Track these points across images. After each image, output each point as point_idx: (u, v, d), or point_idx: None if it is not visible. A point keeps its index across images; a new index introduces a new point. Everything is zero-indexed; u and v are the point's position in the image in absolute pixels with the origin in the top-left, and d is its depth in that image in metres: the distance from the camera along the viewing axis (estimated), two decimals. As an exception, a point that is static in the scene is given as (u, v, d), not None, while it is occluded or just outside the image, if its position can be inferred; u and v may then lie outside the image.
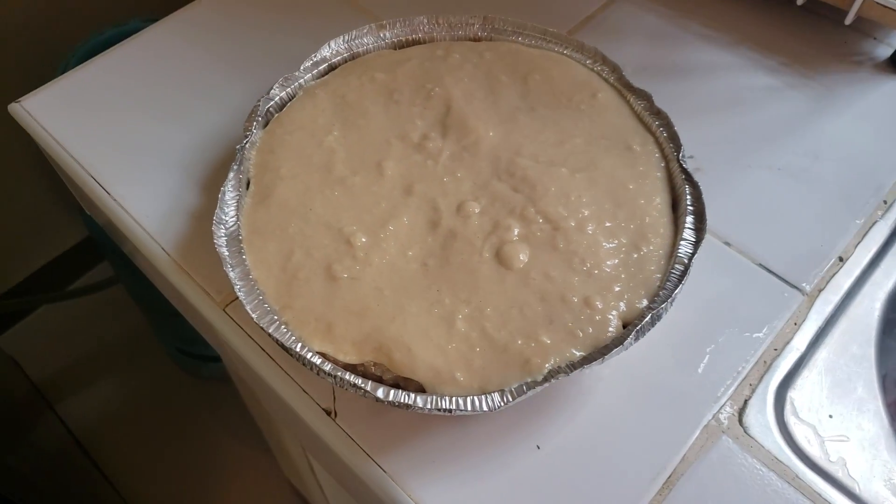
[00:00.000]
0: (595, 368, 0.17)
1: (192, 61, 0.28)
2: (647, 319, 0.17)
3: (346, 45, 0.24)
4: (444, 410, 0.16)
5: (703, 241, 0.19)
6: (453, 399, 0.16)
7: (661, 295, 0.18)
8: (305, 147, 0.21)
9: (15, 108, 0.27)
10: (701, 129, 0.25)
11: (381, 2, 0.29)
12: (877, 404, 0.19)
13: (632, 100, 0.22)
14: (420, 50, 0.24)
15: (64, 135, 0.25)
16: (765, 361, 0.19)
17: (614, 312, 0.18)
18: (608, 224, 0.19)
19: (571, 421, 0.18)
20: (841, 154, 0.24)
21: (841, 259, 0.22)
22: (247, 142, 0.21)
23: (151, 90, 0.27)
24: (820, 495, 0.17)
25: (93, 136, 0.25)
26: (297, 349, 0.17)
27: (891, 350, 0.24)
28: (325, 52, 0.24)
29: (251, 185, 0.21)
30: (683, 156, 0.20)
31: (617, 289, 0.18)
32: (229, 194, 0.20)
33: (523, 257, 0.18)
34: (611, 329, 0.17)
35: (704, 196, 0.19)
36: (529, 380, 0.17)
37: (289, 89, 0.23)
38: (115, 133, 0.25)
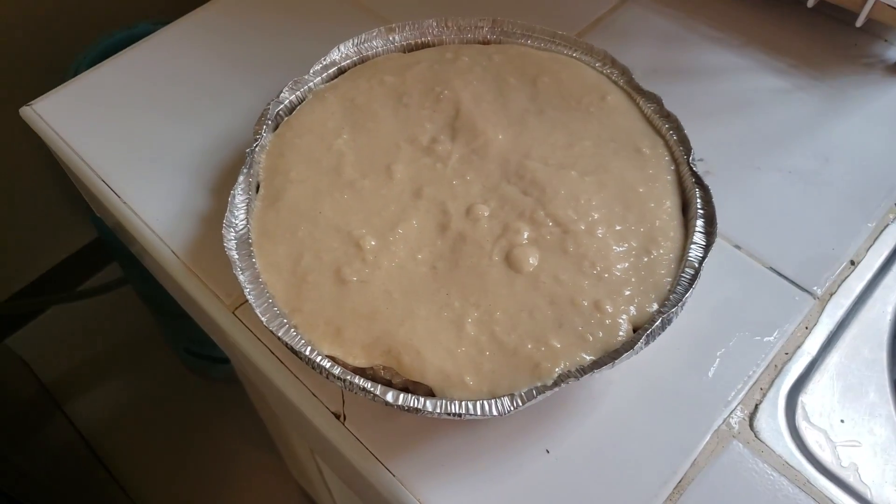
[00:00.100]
0: (605, 373, 0.17)
1: (202, 64, 0.28)
2: (657, 323, 0.17)
3: (355, 49, 0.24)
4: (454, 415, 0.16)
5: (714, 244, 0.19)
6: (463, 403, 0.16)
7: (672, 299, 0.18)
8: (315, 150, 0.21)
9: (26, 112, 0.27)
10: (710, 132, 0.25)
11: (390, 5, 0.29)
12: (889, 409, 0.19)
13: (641, 102, 0.22)
14: (429, 53, 0.24)
15: (75, 138, 0.26)
16: (776, 366, 0.19)
17: (625, 316, 0.18)
18: (618, 227, 0.19)
19: (581, 425, 0.18)
20: (852, 157, 0.24)
21: (852, 262, 0.21)
22: (256, 145, 0.21)
23: (161, 93, 0.27)
24: (832, 500, 0.17)
25: (103, 138, 0.26)
26: (307, 353, 0.17)
27: (902, 354, 0.24)
28: (334, 55, 0.24)
29: (261, 188, 0.21)
30: (693, 159, 0.20)
31: (627, 293, 0.18)
32: (239, 197, 0.20)
33: (533, 261, 0.18)
34: (621, 333, 0.17)
35: (715, 199, 0.19)
36: (539, 384, 0.17)
37: (298, 93, 0.23)
38: (126, 136, 0.26)
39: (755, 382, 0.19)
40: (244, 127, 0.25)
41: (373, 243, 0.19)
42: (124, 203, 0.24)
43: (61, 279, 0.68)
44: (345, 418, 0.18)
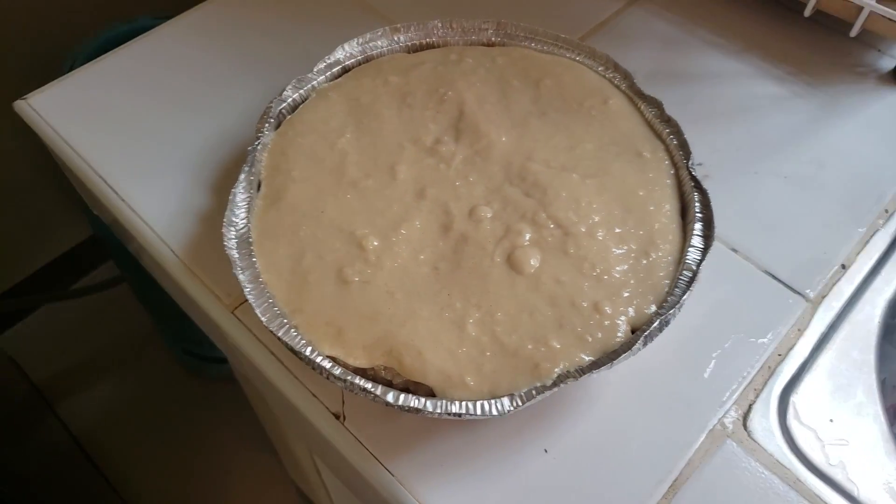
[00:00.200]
0: (603, 373, 0.17)
1: (204, 61, 0.28)
2: (655, 325, 0.17)
3: (359, 48, 0.24)
4: (454, 415, 0.16)
5: (711, 247, 0.19)
6: (463, 403, 0.16)
7: (670, 301, 0.18)
8: (317, 149, 0.21)
9: (21, 106, 0.26)
10: (709, 136, 0.25)
11: (395, 5, 0.29)
12: (876, 409, 0.19)
13: (643, 107, 0.22)
14: (433, 54, 0.24)
15: (71, 133, 0.25)
16: (769, 367, 0.20)
17: (623, 318, 0.18)
18: (618, 230, 0.19)
19: (579, 425, 0.18)
20: (845, 163, 0.24)
21: (843, 266, 0.22)
22: (258, 143, 0.21)
23: (162, 89, 0.27)
24: (821, 498, 0.18)
25: (101, 134, 0.25)
26: (307, 353, 0.17)
27: (890, 355, 0.25)
28: (338, 54, 0.24)
29: (262, 187, 0.21)
30: (692, 163, 0.21)
31: (626, 294, 0.18)
32: (240, 196, 0.20)
33: (534, 262, 0.19)
34: (620, 334, 0.18)
35: (712, 203, 0.20)
36: (539, 384, 0.17)
37: (302, 91, 0.23)
38: (124, 132, 0.25)
39: (749, 383, 0.19)
40: (246, 125, 0.25)
41: (375, 243, 0.19)
42: (122, 200, 0.23)
43: (55, 277, 0.67)
44: (344, 418, 0.19)
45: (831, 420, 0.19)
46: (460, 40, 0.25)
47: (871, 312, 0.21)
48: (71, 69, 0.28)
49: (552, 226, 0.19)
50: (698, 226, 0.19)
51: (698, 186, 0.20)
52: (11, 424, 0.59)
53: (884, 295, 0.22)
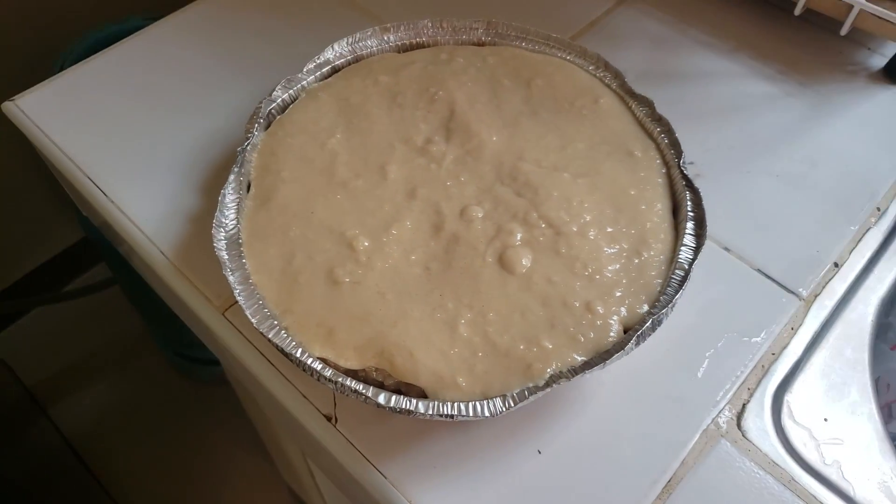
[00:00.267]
0: (596, 373, 0.17)
1: (193, 61, 0.27)
2: (647, 325, 0.17)
3: (349, 48, 0.24)
4: (446, 416, 0.16)
5: (703, 246, 0.19)
6: (455, 404, 0.16)
7: (662, 300, 0.18)
8: (307, 150, 0.21)
9: (9, 107, 0.26)
10: (700, 135, 0.25)
11: (385, 4, 0.29)
12: (870, 407, 0.19)
13: (633, 106, 0.22)
14: (424, 53, 0.24)
15: (60, 134, 0.25)
16: (763, 366, 0.20)
17: (615, 317, 0.18)
18: (609, 229, 0.19)
19: (572, 425, 0.18)
20: (836, 161, 0.25)
21: (836, 265, 0.22)
22: (248, 144, 0.21)
23: (151, 90, 0.27)
24: (816, 498, 0.18)
25: (90, 135, 0.25)
26: (298, 355, 0.17)
27: (883, 354, 0.25)
28: (328, 54, 0.24)
29: (252, 187, 0.21)
30: (684, 162, 0.21)
31: (618, 294, 0.18)
32: (229, 197, 0.20)
33: (526, 262, 0.19)
34: (612, 334, 0.17)
35: (704, 202, 0.20)
36: (531, 385, 0.17)
37: (291, 91, 0.23)
38: (113, 133, 0.25)
39: (743, 382, 0.19)
40: (235, 125, 0.25)
41: (366, 244, 0.19)
42: (112, 202, 0.23)
43: (46, 280, 0.66)
44: (336, 421, 0.18)
45: (826, 419, 0.19)
46: (451, 40, 0.25)
47: (864, 311, 0.21)
48: (60, 70, 0.27)
49: (543, 225, 0.19)
50: (690, 225, 0.19)
51: (690, 185, 0.20)
52: (3, 427, 0.58)
53: (877, 293, 0.22)
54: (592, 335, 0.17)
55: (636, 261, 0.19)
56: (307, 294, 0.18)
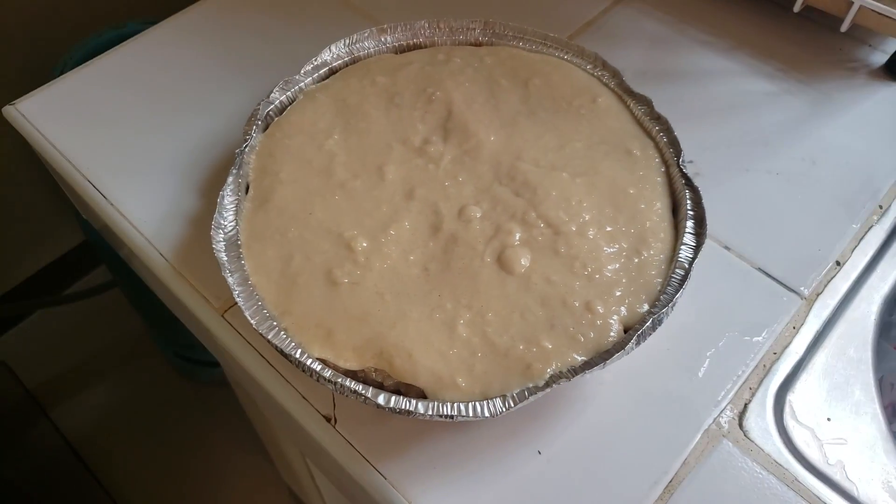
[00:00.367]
0: (596, 373, 0.17)
1: (191, 64, 0.28)
2: (648, 324, 0.17)
3: (346, 49, 0.24)
4: (446, 416, 0.16)
5: (703, 245, 0.19)
6: (455, 405, 0.16)
7: (662, 299, 0.18)
8: (305, 151, 0.21)
9: (10, 111, 0.26)
10: (700, 134, 0.25)
11: (382, 6, 0.29)
12: (874, 407, 0.19)
13: (632, 105, 0.22)
14: (421, 54, 0.24)
15: (60, 138, 0.25)
16: (764, 365, 0.20)
17: (615, 317, 0.18)
18: (609, 228, 0.19)
19: (573, 426, 0.18)
20: (838, 159, 0.24)
21: (838, 263, 0.22)
22: (246, 146, 0.21)
23: (149, 93, 0.27)
24: (819, 498, 0.17)
25: (89, 139, 0.25)
26: (297, 355, 0.17)
27: (887, 353, 0.25)
28: (325, 55, 0.24)
29: (250, 189, 0.21)
30: (683, 161, 0.20)
31: (618, 293, 0.18)
32: (228, 199, 0.20)
33: (525, 262, 0.18)
34: (612, 334, 0.17)
35: (704, 200, 0.19)
36: (531, 385, 0.17)
37: (289, 93, 0.23)
38: (112, 136, 0.25)
39: (744, 382, 0.19)
40: (233, 127, 0.25)
41: (364, 245, 0.19)
42: (111, 205, 0.23)
43: (47, 282, 0.67)
44: (336, 421, 0.18)
45: (829, 419, 0.19)
46: (448, 40, 0.25)
47: (866, 309, 0.21)
48: (60, 75, 0.28)
49: (542, 225, 0.19)
50: (690, 223, 0.19)
51: (689, 184, 0.20)
52: (5, 429, 0.59)
53: (879, 292, 0.21)
54: (592, 335, 0.17)
55: (636, 260, 0.19)
56: (306, 295, 0.18)
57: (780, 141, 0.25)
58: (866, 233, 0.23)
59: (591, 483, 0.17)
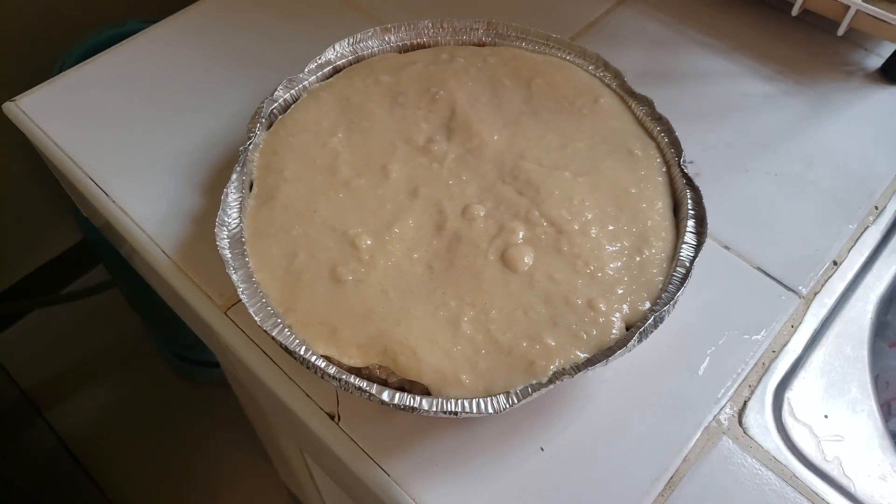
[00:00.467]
0: (598, 370, 0.17)
1: (194, 62, 0.27)
2: (649, 322, 0.17)
3: (350, 48, 0.24)
4: (450, 413, 0.16)
5: (704, 244, 0.19)
6: (459, 402, 0.16)
7: (664, 297, 0.18)
8: (309, 149, 0.21)
9: (10, 108, 0.26)
10: (700, 135, 0.25)
11: (385, 6, 0.29)
12: (870, 404, 0.19)
13: (633, 105, 0.23)
14: (425, 54, 0.24)
15: (61, 135, 0.25)
16: (763, 363, 0.20)
17: (618, 315, 0.18)
18: (611, 227, 0.19)
19: (575, 423, 0.18)
20: (835, 160, 0.25)
21: (835, 263, 0.22)
22: (250, 143, 0.21)
23: (152, 90, 0.27)
24: (817, 494, 0.18)
25: (91, 136, 0.25)
26: (301, 352, 0.17)
27: (882, 352, 0.25)
28: (329, 54, 0.24)
29: (254, 186, 0.21)
30: (684, 161, 0.21)
31: (620, 291, 0.18)
32: (232, 196, 0.20)
33: (528, 260, 0.19)
34: (614, 331, 0.18)
35: (704, 200, 0.20)
36: (534, 382, 0.17)
37: (293, 91, 0.23)
38: (114, 134, 0.25)
39: (744, 380, 0.19)
40: (237, 125, 0.25)
41: (368, 242, 0.19)
42: (113, 202, 0.23)
43: (45, 281, 0.66)
44: (339, 418, 0.18)
45: (826, 416, 0.19)
46: (451, 40, 0.25)
47: (863, 309, 0.21)
48: (59, 72, 0.27)
49: (545, 224, 0.19)
50: (691, 223, 0.19)
51: (690, 184, 0.20)
52: (0, 430, 0.58)
53: (875, 291, 0.22)
54: (595, 332, 0.17)
55: (638, 258, 0.19)
56: (310, 292, 0.18)
57: (778, 142, 0.25)
58: (862, 233, 0.23)
59: (593, 479, 0.17)
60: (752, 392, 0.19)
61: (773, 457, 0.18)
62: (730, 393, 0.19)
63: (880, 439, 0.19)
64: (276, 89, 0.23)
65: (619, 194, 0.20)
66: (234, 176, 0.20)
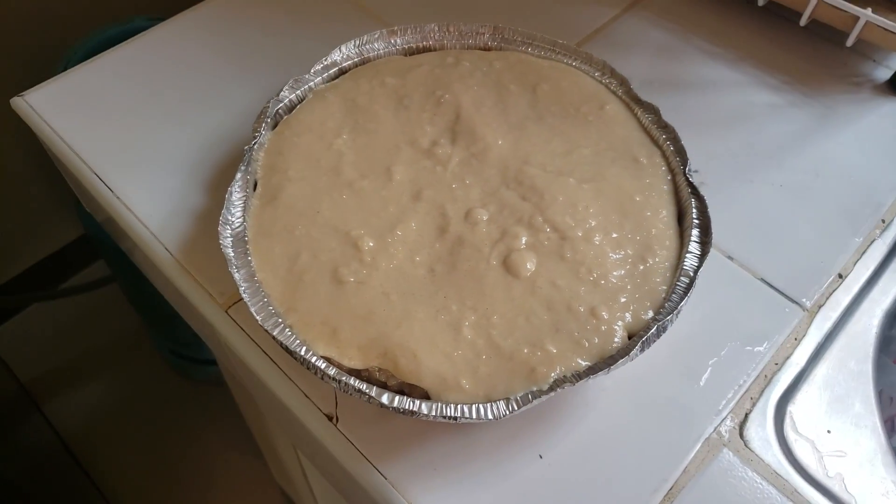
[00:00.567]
0: (599, 379, 0.17)
1: (201, 60, 0.28)
2: (652, 331, 0.17)
3: (356, 50, 0.24)
4: (449, 418, 0.16)
5: (708, 254, 0.19)
6: (458, 406, 0.16)
7: (667, 307, 0.18)
8: (314, 150, 0.21)
9: (18, 102, 0.26)
10: (705, 144, 0.25)
11: (392, 8, 0.30)
12: (874, 420, 0.19)
13: (639, 113, 0.22)
14: (430, 57, 0.24)
15: (67, 130, 0.25)
16: (765, 376, 0.20)
17: (620, 323, 0.18)
18: (615, 235, 0.19)
19: (574, 431, 0.18)
20: (841, 172, 0.25)
21: (840, 276, 0.22)
22: (255, 143, 0.21)
23: (158, 88, 0.27)
24: (819, 510, 0.17)
25: (97, 132, 0.25)
26: (302, 352, 0.17)
27: (887, 367, 0.25)
28: (335, 55, 0.24)
29: (258, 186, 0.21)
30: (689, 169, 0.21)
31: (623, 300, 0.18)
32: (236, 195, 0.20)
33: (530, 266, 0.19)
34: (616, 340, 0.17)
35: (709, 210, 0.20)
36: (535, 388, 0.17)
37: (298, 91, 0.23)
38: (120, 130, 0.25)
39: (745, 392, 0.19)
40: (242, 125, 0.25)
41: (371, 244, 0.19)
42: (117, 198, 0.23)
43: (44, 276, 0.66)
44: (337, 420, 0.18)
45: (829, 431, 0.19)
46: (457, 44, 0.25)
47: (868, 323, 0.21)
48: (65, 70, 0.28)
49: (549, 229, 0.19)
50: (695, 232, 0.19)
51: (695, 193, 0.20)
52: (-2, 424, 0.58)
53: (881, 305, 0.22)
54: (597, 340, 0.17)
55: (641, 267, 0.19)
56: (312, 293, 0.18)
57: (784, 153, 0.25)
58: (868, 246, 0.23)
59: (592, 488, 0.17)
60: (754, 404, 0.19)
61: (775, 471, 0.18)
62: (731, 405, 0.19)
63: (883, 456, 0.19)
64: (281, 89, 0.23)
65: (624, 202, 0.20)
66: (238, 175, 0.20)
